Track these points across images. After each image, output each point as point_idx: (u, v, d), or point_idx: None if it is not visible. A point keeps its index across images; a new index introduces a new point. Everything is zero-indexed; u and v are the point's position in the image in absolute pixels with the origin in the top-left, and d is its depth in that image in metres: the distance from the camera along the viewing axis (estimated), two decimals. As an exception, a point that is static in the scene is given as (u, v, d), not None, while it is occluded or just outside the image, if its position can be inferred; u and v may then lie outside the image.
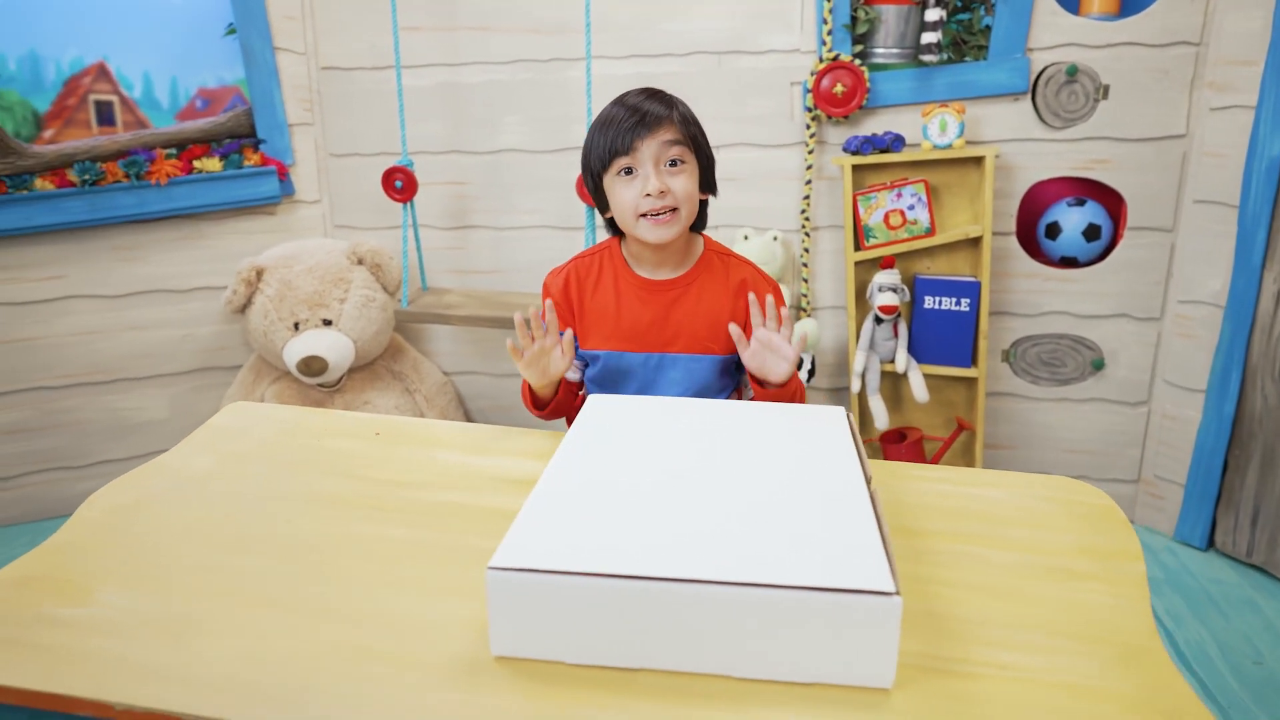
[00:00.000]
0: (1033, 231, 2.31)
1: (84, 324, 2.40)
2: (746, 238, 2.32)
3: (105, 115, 2.65)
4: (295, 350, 2.23)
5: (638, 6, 2.30)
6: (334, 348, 2.26)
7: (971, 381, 2.30)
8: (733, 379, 1.27)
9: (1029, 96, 2.17)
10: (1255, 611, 1.95)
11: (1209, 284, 2.11)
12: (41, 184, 2.24)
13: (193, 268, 2.46)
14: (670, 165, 1.16)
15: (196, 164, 2.37)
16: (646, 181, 1.13)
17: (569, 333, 1.16)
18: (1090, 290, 2.25)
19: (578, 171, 2.08)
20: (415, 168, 2.41)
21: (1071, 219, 2.22)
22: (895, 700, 0.62)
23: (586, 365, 1.28)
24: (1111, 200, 2.23)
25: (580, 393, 1.33)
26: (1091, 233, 2.20)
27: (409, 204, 2.30)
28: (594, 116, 1.25)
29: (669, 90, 2.44)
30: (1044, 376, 2.33)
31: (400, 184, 2.25)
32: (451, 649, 0.68)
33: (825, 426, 0.92)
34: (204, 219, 2.45)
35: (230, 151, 2.41)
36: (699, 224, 1.26)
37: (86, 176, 2.25)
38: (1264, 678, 1.72)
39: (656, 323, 1.22)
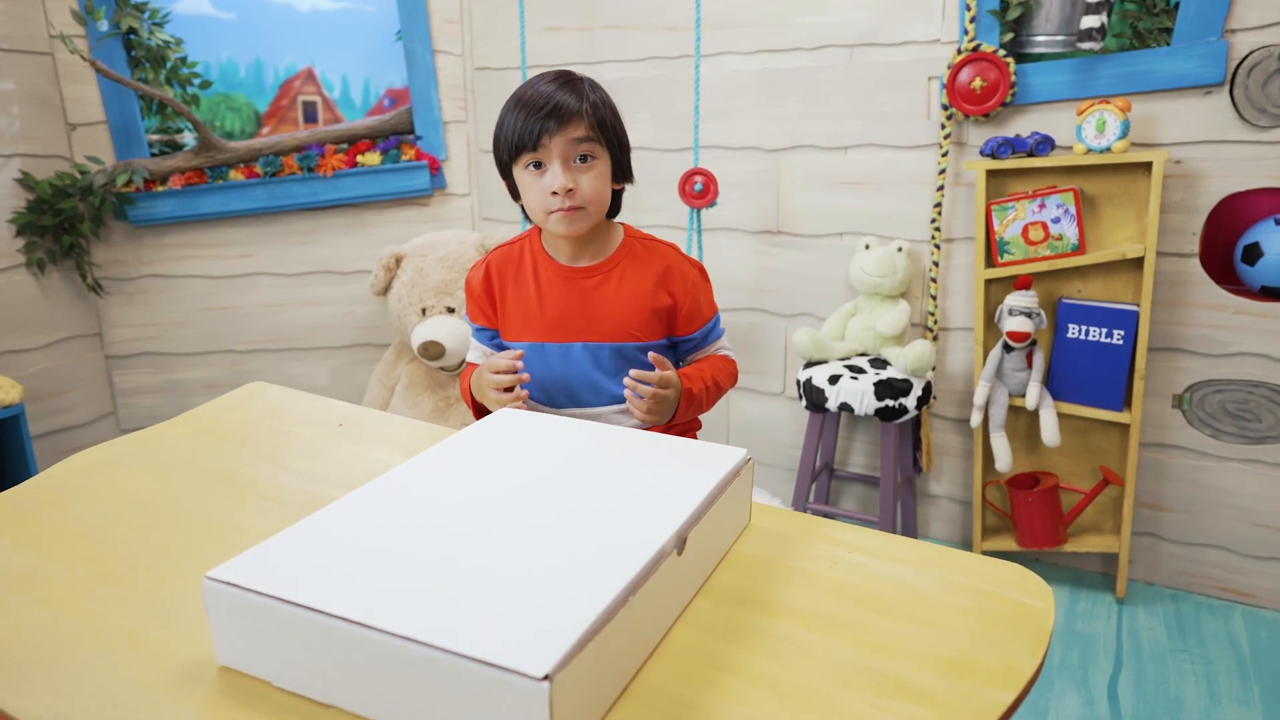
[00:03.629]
0: (1226, 254, 1.90)
1: (267, 298, 2.74)
2: (868, 247, 2.13)
3: (310, 114, 3.00)
4: (418, 334, 2.39)
5: (769, 0, 2.18)
6: (453, 334, 2.39)
7: (1123, 428, 1.94)
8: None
9: (1225, 89, 1.78)
10: None
11: None
12: (235, 175, 2.58)
13: (355, 252, 2.72)
14: (580, 161, 1.11)
15: (360, 158, 2.61)
16: (554, 178, 1.09)
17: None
18: (1299, 330, 1.81)
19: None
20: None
21: (1278, 240, 1.80)
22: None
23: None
24: (1336, 219, 1.77)
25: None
26: (1305, 259, 1.77)
27: (529, 200, 2.37)
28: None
29: (797, 84, 2.20)
30: (1229, 431, 1.92)
31: (520, 181, 2.32)
32: (199, 651, 0.69)
33: (701, 472, 0.82)
34: (366, 208, 2.69)
35: (389, 147, 2.63)
36: (613, 212, 1.21)
37: (268, 169, 2.56)
38: None
39: (578, 310, 1.18)
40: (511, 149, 1.12)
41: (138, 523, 0.91)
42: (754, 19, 2.21)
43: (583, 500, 0.77)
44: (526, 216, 1.21)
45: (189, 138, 2.68)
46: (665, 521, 0.73)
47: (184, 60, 2.61)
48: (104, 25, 2.35)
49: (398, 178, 2.64)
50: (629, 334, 1.17)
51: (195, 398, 2.79)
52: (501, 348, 1.25)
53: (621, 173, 1.18)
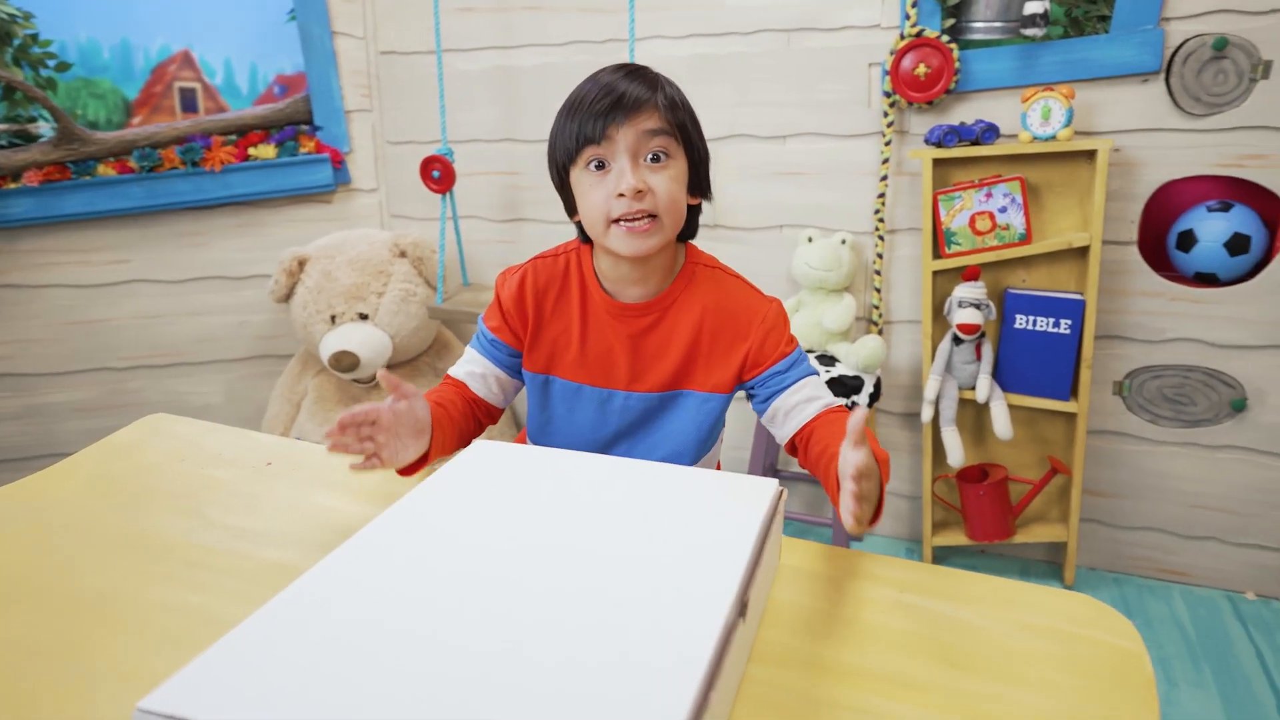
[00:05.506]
0: (1161, 241, 1.92)
1: (147, 307, 2.44)
2: (811, 240, 2.05)
3: (189, 102, 2.69)
4: (328, 344, 2.17)
5: (699, -20, 2.07)
6: (367, 343, 2.18)
7: (1070, 417, 1.94)
8: (718, 424, 1.04)
9: (1162, 77, 1.78)
10: None
11: (1393, 315, 1.67)
12: (104, 170, 2.28)
13: (250, 255, 2.45)
14: (651, 160, 0.91)
15: (252, 151, 2.35)
16: (621, 178, 0.90)
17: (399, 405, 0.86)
18: (1232, 315, 1.85)
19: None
20: (462, 157, 2.30)
21: (1212, 227, 1.82)
22: None
23: (514, 389, 1.07)
24: (1266, 205, 1.81)
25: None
26: (1237, 245, 1.79)
27: (448, 195, 2.19)
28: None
29: (732, 71, 2.01)
30: (1166, 416, 1.94)
31: (438, 174, 2.14)
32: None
33: (739, 511, 0.70)
34: (262, 206, 2.43)
35: (286, 139, 2.38)
36: (688, 233, 1.03)
37: (144, 163, 2.27)
38: None
39: (624, 355, 1.00)
40: (571, 145, 0.92)
41: (9, 616, 0.71)
42: (683, 2, 2.09)
43: (612, 562, 0.63)
44: (582, 232, 1.01)
45: (45, 128, 2.35)
46: (720, 580, 0.60)
47: (35, 38, 2.28)
48: (-65, -4, 2.01)
49: (296, 172, 2.40)
50: (683, 382, 1.00)
51: (65, 424, 2.47)
52: (517, 371, 1.05)
53: (698, 186, 0.98)
